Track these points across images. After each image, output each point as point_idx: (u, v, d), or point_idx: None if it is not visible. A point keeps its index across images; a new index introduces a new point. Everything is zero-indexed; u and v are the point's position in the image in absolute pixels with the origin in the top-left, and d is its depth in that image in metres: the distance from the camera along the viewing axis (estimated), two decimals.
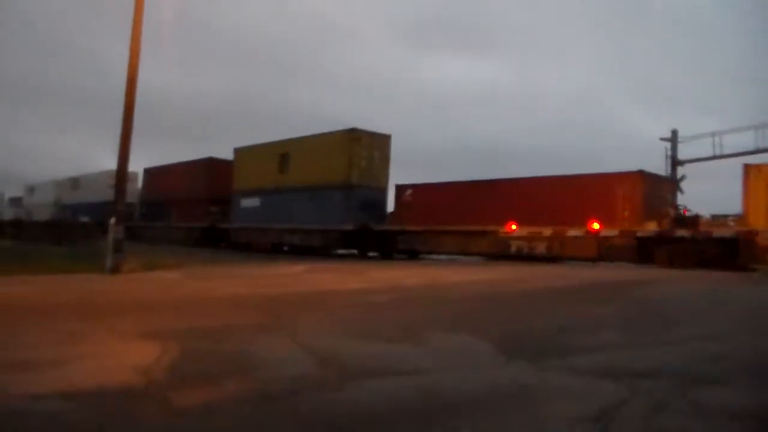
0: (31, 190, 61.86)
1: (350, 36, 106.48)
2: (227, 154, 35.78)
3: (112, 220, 13.49)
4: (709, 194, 27.79)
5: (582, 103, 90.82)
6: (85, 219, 43.77)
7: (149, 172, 43.72)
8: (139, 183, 45.56)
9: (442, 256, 23.90)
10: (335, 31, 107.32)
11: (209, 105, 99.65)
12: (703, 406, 3.36)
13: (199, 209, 34.85)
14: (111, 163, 14.91)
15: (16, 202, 65.84)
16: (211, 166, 35.69)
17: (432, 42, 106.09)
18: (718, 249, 16.51)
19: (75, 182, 51.92)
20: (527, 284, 11.06)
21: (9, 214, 60.82)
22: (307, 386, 3.75)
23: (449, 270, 16.14)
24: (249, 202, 31.68)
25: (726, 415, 3.21)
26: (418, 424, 3.07)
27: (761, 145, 21.61)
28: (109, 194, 42.39)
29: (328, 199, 26.51)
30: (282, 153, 29.91)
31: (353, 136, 26.15)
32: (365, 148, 26.37)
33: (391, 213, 26.59)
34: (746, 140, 22.52)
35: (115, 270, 12.83)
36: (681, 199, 21.12)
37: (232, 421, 3.12)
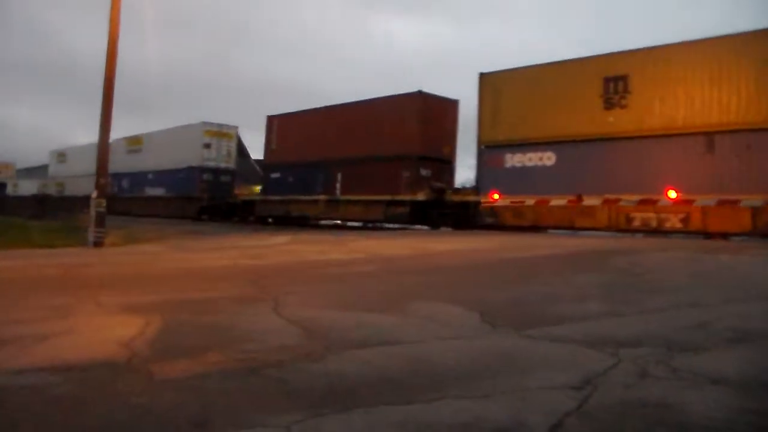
0: (60, 157, 48.70)
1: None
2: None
3: (94, 194, 13.36)
4: None
5: (524, 55, 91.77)
6: (158, 191, 35.08)
7: (277, 123, 29.40)
8: (235, 142, 34.88)
9: None
10: None
11: (147, 75, 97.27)
12: (684, 373, 3.39)
13: (401, 174, 22.76)
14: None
15: (34, 173, 54.73)
16: (423, 105, 22.77)
17: (378, 4, 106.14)
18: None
19: (134, 142, 38.57)
20: (512, 253, 11.09)
21: (30, 189, 49.85)
22: (292, 357, 3.74)
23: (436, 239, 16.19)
24: (526, 160, 20.26)
25: (707, 381, 3.24)
26: (403, 392, 3.06)
27: None
28: (202, 156, 32.38)
29: (761, 150, 15.36)
30: (607, 76, 18.13)
31: None
32: None
33: None
34: None
35: (97, 244, 12.76)
36: None
37: (215, 392, 3.10)
